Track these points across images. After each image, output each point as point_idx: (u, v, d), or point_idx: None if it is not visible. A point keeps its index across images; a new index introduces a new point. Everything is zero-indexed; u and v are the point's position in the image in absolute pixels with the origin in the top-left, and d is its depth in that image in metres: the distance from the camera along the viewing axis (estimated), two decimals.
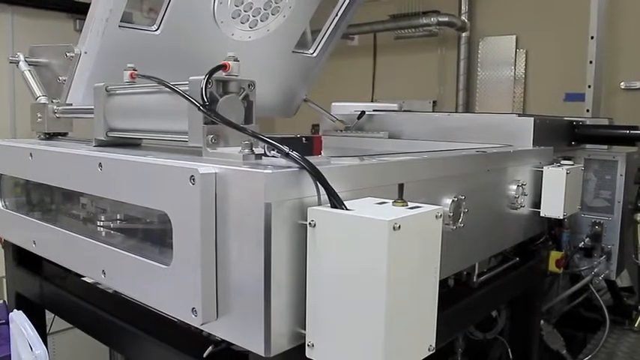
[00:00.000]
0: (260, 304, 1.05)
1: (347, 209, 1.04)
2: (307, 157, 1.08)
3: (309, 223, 1.05)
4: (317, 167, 1.06)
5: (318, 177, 1.06)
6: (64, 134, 2.04)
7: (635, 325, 2.94)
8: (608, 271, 2.77)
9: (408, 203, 1.08)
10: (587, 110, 4.39)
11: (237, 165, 1.12)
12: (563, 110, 4.25)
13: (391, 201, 1.09)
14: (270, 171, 1.03)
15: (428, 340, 1.13)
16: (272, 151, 1.13)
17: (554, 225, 2.44)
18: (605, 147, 2.85)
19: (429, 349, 1.14)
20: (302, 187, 1.07)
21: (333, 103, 3.01)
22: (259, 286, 1.04)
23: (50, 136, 2.00)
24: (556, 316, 2.76)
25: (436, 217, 1.08)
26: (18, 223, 1.83)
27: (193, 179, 1.10)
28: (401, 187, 1.09)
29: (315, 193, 1.08)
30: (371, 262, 0.98)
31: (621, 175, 2.70)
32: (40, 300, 2.01)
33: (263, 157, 1.17)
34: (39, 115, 2.00)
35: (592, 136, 2.77)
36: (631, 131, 2.67)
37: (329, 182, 1.06)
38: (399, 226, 0.97)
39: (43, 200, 1.91)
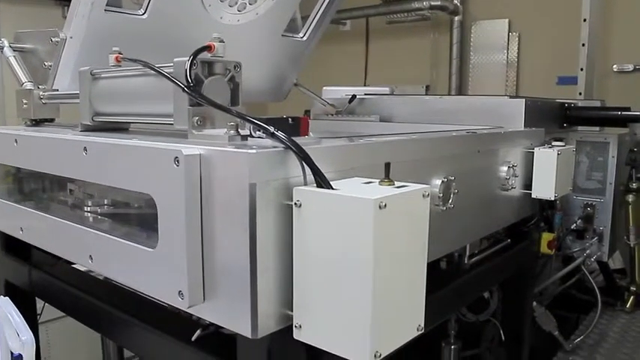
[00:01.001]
0: (246, 285, 1.04)
1: (333, 189, 1.03)
2: (293, 138, 1.07)
3: (295, 203, 1.04)
4: (302, 147, 1.05)
5: (304, 156, 1.05)
6: (51, 120, 2.01)
7: (627, 306, 2.96)
8: (600, 253, 2.78)
9: (395, 182, 1.07)
10: (580, 93, 4.39)
11: (221, 146, 1.10)
12: (556, 94, 4.22)
13: (378, 180, 1.08)
14: (254, 151, 1.02)
15: (417, 320, 1.13)
16: (258, 132, 1.12)
17: (546, 207, 2.45)
18: (597, 129, 2.85)
19: (417, 329, 1.13)
20: (287, 167, 1.06)
21: (324, 88, 2.99)
22: (245, 267, 1.03)
23: (37, 123, 1.98)
24: (548, 298, 2.77)
25: (423, 196, 1.07)
26: (5, 210, 1.81)
27: (177, 161, 1.09)
28: (387, 166, 1.07)
29: (300, 174, 1.07)
30: (357, 241, 0.97)
31: (613, 157, 2.71)
32: (30, 287, 2.00)
33: (249, 138, 1.16)
34: (24, 101, 1.97)
35: (584, 117, 2.77)
36: (622, 112, 2.67)
37: (314, 162, 1.05)
38: (385, 205, 0.96)
39: (29, 187, 1.89)
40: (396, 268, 1.03)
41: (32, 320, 2.07)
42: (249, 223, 1.02)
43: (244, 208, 1.02)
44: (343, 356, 1.04)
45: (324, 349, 1.06)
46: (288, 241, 1.07)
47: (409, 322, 1.11)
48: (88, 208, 1.59)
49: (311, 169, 1.05)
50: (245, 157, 1.02)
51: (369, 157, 1.27)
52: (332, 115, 2.74)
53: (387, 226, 0.98)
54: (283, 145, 1.06)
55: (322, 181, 1.04)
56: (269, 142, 1.09)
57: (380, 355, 1.02)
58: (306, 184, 1.08)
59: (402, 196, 1.02)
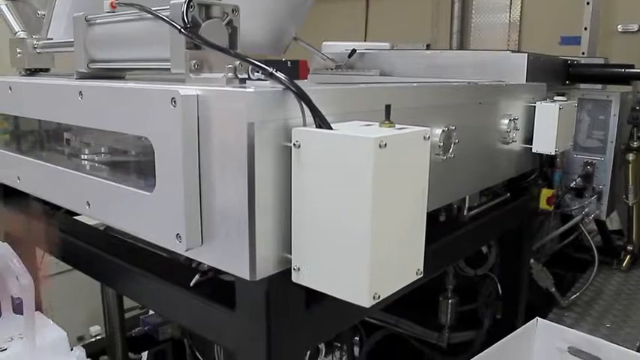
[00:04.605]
0: (244, 227, 1.03)
1: (332, 129, 1.01)
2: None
3: (294, 144, 1.02)
4: (302, 87, 1.03)
5: (303, 97, 1.02)
6: (46, 70, 1.98)
7: (623, 265, 2.98)
8: (599, 212, 2.78)
9: (396, 125, 1.05)
10: (583, 53, 4.34)
11: (219, 87, 1.08)
12: (558, 54, 4.17)
13: (378, 123, 1.07)
14: (252, 90, 1.00)
15: (416, 263, 1.12)
16: (256, 74, 1.10)
17: (545, 164, 2.44)
18: (600, 87, 2.82)
19: (417, 273, 1.13)
20: (286, 108, 1.04)
21: (324, 43, 2.94)
22: (243, 208, 1.03)
23: (31, 72, 1.95)
24: (546, 256, 2.78)
25: (424, 138, 1.06)
26: (1, 159, 1.80)
27: (174, 101, 1.07)
28: (388, 108, 1.06)
29: (299, 115, 1.05)
30: (357, 181, 0.96)
31: (615, 115, 2.68)
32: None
33: (247, 80, 1.14)
34: (18, 51, 1.93)
35: (586, 74, 2.74)
36: (626, 70, 2.64)
37: (314, 103, 1.03)
38: (386, 145, 0.94)
39: (26, 136, 1.87)
40: (395, 210, 1.02)
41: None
42: (247, 164, 1.00)
43: (242, 149, 1.00)
44: (342, 298, 1.04)
45: (322, 291, 1.06)
46: (286, 182, 1.06)
47: (408, 265, 1.11)
48: (85, 156, 1.58)
49: (310, 110, 1.03)
50: (243, 96, 1.00)
51: (369, 101, 1.25)
52: (331, 69, 2.70)
53: (387, 166, 0.97)
54: (282, 86, 1.03)
55: (322, 122, 1.02)
56: (267, 83, 1.07)
57: (379, 297, 1.02)
58: (305, 125, 1.06)
59: (402, 136, 1.00)
